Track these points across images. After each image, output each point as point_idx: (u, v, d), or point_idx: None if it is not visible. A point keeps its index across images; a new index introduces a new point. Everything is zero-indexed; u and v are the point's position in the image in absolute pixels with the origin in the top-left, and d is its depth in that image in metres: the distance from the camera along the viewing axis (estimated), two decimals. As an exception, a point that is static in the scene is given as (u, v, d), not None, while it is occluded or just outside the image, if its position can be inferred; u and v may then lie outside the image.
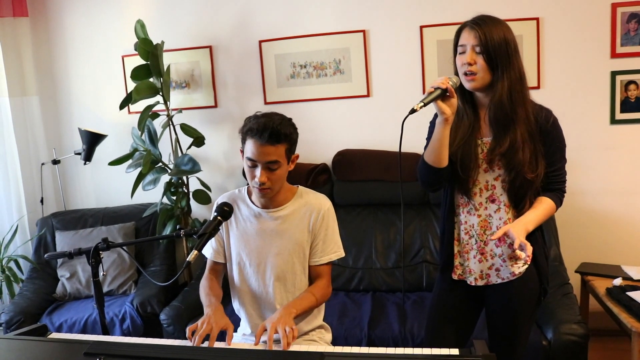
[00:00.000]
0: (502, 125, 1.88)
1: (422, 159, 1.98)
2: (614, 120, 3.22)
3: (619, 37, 3.12)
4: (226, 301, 2.07)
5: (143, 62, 3.32)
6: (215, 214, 1.90)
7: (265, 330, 1.74)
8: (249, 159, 1.88)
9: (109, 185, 3.96)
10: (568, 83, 3.24)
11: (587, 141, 3.26)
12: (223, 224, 2.04)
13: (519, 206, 1.96)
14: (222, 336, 1.77)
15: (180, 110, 3.49)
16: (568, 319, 2.60)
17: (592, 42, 3.18)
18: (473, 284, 2.07)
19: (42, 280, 3.44)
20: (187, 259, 1.79)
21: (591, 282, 2.98)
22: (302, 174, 3.47)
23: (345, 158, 3.48)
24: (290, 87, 3.59)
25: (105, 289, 3.39)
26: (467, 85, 1.89)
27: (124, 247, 2.02)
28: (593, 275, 3.05)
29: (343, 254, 2.08)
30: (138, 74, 3.31)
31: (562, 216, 3.25)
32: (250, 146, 1.86)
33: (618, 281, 2.88)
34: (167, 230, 3.40)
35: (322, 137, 3.62)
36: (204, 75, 3.70)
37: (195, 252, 1.82)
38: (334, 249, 2.05)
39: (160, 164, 3.39)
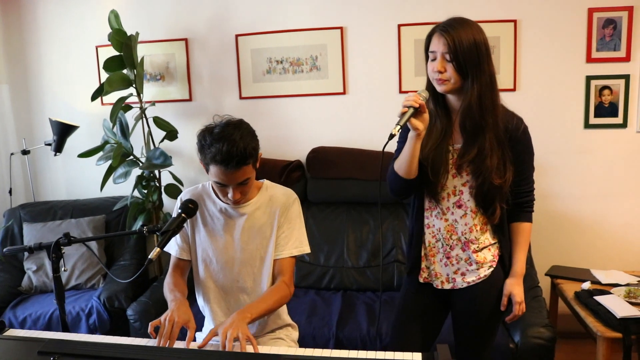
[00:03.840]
0: (471, 132, 1.87)
1: (392, 169, 1.98)
2: (587, 125, 3.24)
3: (594, 42, 3.13)
4: (192, 299, 2.04)
5: (117, 53, 3.25)
6: (180, 211, 1.86)
7: (217, 335, 1.70)
8: (218, 183, 1.84)
9: (80, 177, 3.89)
10: (543, 86, 3.24)
11: (561, 145, 3.28)
12: (187, 221, 2.01)
13: (488, 211, 1.96)
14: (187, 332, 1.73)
15: (153, 103, 3.43)
16: (536, 322, 2.60)
17: (568, 46, 3.19)
18: (439, 287, 2.07)
19: (8, 272, 3.37)
20: (149, 257, 1.76)
21: (560, 285, 2.99)
22: (275, 171, 3.43)
23: (319, 155, 3.45)
24: (266, 82, 3.55)
25: (72, 282, 3.33)
26: (439, 88, 1.88)
27: (86, 243, 1.96)
28: (563, 278, 3.06)
29: (307, 250, 2.04)
30: (111, 65, 3.24)
31: (534, 219, 3.24)
32: (216, 171, 1.80)
33: (586, 285, 2.89)
34: (138, 225, 3.34)
35: (296, 134, 3.59)
36: (179, 68, 3.64)
37: (157, 249, 1.78)
38: (296, 244, 2.01)
39: (131, 157, 3.33)
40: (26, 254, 3.40)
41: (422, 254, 2.09)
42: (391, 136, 1.72)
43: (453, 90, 1.88)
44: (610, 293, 2.74)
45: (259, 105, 3.61)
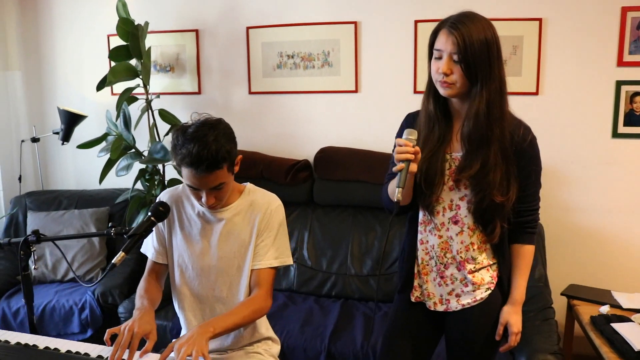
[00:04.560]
0: (476, 143, 1.69)
1: (385, 191, 1.83)
2: (616, 134, 2.98)
3: (627, 44, 2.87)
4: (169, 305, 1.94)
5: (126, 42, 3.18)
6: (150, 214, 1.76)
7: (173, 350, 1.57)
8: (190, 186, 1.72)
9: (89, 167, 3.84)
10: (569, 91, 3.00)
11: (586, 154, 3.03)
12: (165, 222, 1.91)
13: (487, 229, 1.77)
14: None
15: (158, 95, 3.34)
16: (544, 348, 2.40)
17: (598, 48, 2.93)
18: (432, 308, 1.90)
19: (8, 261, 3.35)
20: (113, 261, 1.66)
21: (577, 307, 2.77)
22: (282, 170, 3.31)
23: (327, 155, 3.30)
24: (276, 77, 3.41)
25: (70, 274, 3.29)
26: (442, 91, 1.69)
27: (55, 242, 1.89)
28: (580, 299, 2.84)
29: (289, 262, 1.89)
30: (117, 54, 3.17)
31: (553, 233, 3.05)
32: (187, 174, 1.68)
33: (605, 309, 2.67)
34: (140, 218, 3.27)
35: (305, 132, 3.45)
36: (189, 60, 3.55)
37: (121, 254, 1.68)
38: (276, 254, 1.86)
39: (133, 149, 3.25)
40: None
41: (415, 271, 1.93)
42: (397, 203, 1.61)
43: (457, 95, 1.70)
44: (631, 320, 2.51)
45: (268, 101, 3.48)
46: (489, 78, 1.64)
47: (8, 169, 3.75)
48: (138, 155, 3.27)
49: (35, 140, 3.68)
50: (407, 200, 1.77)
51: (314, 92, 3.38)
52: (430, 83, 1.76)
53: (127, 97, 3.23)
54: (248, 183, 1.96)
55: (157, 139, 3.32)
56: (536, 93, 3.01)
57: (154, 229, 1.91)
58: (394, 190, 1.66)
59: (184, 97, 3.62)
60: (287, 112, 3.46)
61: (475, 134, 1.69)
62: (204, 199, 1.73)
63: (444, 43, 1.64)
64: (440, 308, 1.88)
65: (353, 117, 3.36)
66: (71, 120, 3.48)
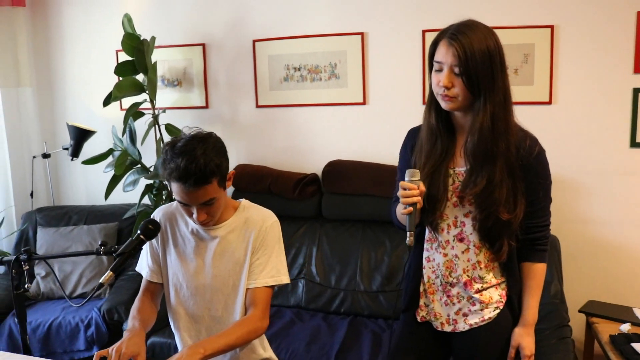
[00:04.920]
0: (481, 159, 1.62)
1: (394, 212, 1.78)
2: (634, 143, 2.86)
3: (644, 51, 2.76)
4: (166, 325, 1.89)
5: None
6: (139, 232, 1.71)
7: None
8: (180, 202, 1.68)
9: (99, 182, 3.83)
10: (584, 99, 2.89)
11: (603, 165, 2.91)
12: (159, 240, 1.87)
13: (494, 247, 1.70)
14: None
15: (164, 110, 3.32)
16: (559, 369, 2.29)
17: (613, 55, 2.82)
18: (439, 329, 1.82)
19: (18, 277, 3.33)
20: (100, 281, 1.63)
21: (596, 325, 2.64)
22: (289, 184, 3.25)
23: (335, 169, 3.24)
24: (283, 90, 3.38)
25: (79, 290, 3.27)
26: (444, 105, 1.63)
27: (47, 260, 1.87)
28: (599, 317, 2.71)
29: (285, 281, 1.83)
30: (123, 70, 3.17)
31: (569, 247, 2.93)
32: (176, 189, 1.64)
33: (626, 327, 2.54)
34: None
35: (313, 146, 3.39)
36: (197, 74, 3.53)
37: (109, 273, 1.65)
38: (272, 272, 1.80)
39: (139, 165, 3.24)
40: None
41: (421, 289, 1.86)
42: (409, 247, 1.61)
43: (460, 109, 1.64)
44: (652, 340, 2.38)
45: (275, 114, 3.44)
46: (492, 90, 1.58)
47: (20, 184, 3.77)
48: (144, 170, 3.26)
49: (46, 156, 3.70)
50: (416, 219, 1.70)
51: (321, 105, 3.32)
52: (432, 96, 1.69)
53: (134, 112, 3.22)
54: (243, 199, 1.91)
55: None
56: (549, 102, 2.91)
57: (148, 247, 1.89)
58: (400, 218, 1.63)
59: (191, 112, 3.60)
60: (295, 125, 3.41)
61: (480, 149, 1.62)
62: (195, 215, 1.69)
63: (444, 55, 1.58)
64: (448, 329, 1.81)
65: (361, 129, 3.30)
66: (80, 135, 3.48)
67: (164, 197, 3.34)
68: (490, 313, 1.75)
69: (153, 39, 3.25)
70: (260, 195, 3.35)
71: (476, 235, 1.71)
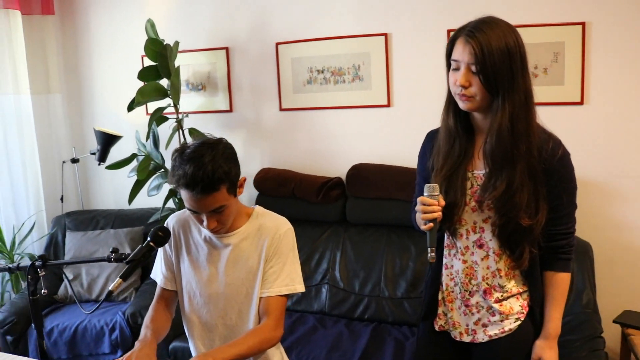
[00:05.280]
0: (500, 162, 1.55)
1: (413, 215, 1.72)
2: (672, 145, 2.72)
3: (682, 47, 2.62)
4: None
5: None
6: (149, 239, 1.70)
7: None
8: (189, 209, 1.65)
9: (126, 186, 3.86)
10: (617, 99, 2.76)
11: (639, 168, 2.78)
12: (173, 247, 1.85)
13: (514, 253, 1.62)
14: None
15: (187, 115, 3.33)
16: (590, 383, 2.19)
17: (649, 53, 2.69)
18: (458, 338, 1.76)
19: (47, 280, 3.34)
20: (109, 288, 1.62)
21: (632, 337, 2.52)
22: (313, 188, 3.21)
23: (359, 173, 3.18)
24: (306, 93, 3.34)
25: (105, 294, 3.29)
26: (462, 105, 1.58)
27: (62, 266, 1.90)
28: (635, 328, 2.58)
29: (300, 290, 1.78)
30: (147, 75, 3.18)
31: (603, 253, 2.80)
32: (185, 196, 1.61)
33: (663, 339, 2.41)
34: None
35: (337, 149, 3.35)
36: (220, 78, 3.53)
37: (119, 280, 1.64)
38: (286, 281, 1.74)
39: (163, 169, 3.25)
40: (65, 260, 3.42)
41: (439, 297, 1.79)
42: (431, 264, 1.59)
43: (479, 109, 1.57)
44: (692, 352, 2.25)
45: (299, 117, 3.41)
46: (511, 89, 1.51)
47: (51, 189, 3.84)
48: (167, 175, 3.26)
49: (75, 161, 3.76)
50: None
51: (345, 108, 3.28)
52: (450, 96, 1.64)
53: (158, 116, 3.23)
54: (257, 206, 1.87)
55: (188, 158, 3.30)
56: (581, 103, 2.79)
57: (162, 254, 1.87)
58: (419, 225, 1.58)
59: (216, 116, 3.60)
60: (318, 129, 3.37)
61: (499, 151, 1.55)
62: (205, 223, 1.66)
63: (461, 53, 1.52)
64: (467, 339, 1.74)
65: (386, 132, 3.23)
66: (107, 140, 3.52)
67: (188, 201, 3.35)
68: (510, 324, 1.68)
69: (177, 43, 3.26)
70: (283, 199, 3.32)
71: (496, 242, 1.64)
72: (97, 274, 3.33)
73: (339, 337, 2.74)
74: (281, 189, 3.31)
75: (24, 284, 3.44)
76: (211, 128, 3.55)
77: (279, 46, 3.35)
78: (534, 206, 1.57)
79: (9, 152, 3.59)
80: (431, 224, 1.56)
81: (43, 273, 1.84)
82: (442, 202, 1.58)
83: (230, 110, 3.56)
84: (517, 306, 1.68)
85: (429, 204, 1.56)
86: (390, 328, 2.84)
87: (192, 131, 3.28)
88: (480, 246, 1.66)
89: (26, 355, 3.02)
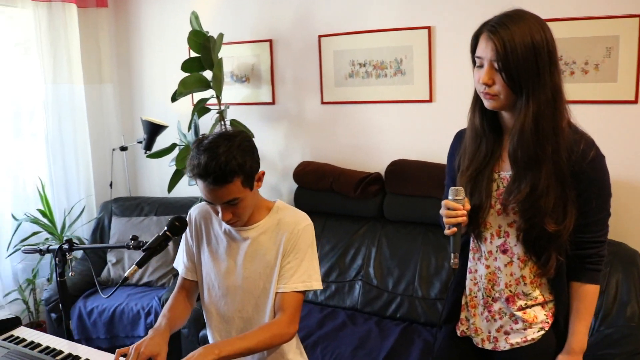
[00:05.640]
0: (523, 164, 1.48)
1: (440, 217, 1.66)
2: None
3: None
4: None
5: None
6: (165, 228, 1.72)
7: None
8: (205, 200, 1.67)
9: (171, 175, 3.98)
10: (677, 98, 2.57)
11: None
12: (194, 238, 1.87)
13: (540, 260, 1.54)
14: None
15: (227, 106, 3.35)
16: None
17: None
18: (479, 345, 1.69)
19: (92, 262, 3.53)
20: (125, 275, 1.65)
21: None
22: (351, 182, 3.18)
23: (398, 169, 3.12)
24: (348, 86, 3.30)
25: (145, 279, 3.40)
26: (487, 104, 1.52)
27: (86, 250, 1.95)
28: (686, 344, 2.40)
29: (317, 287, 1.75)
30: (190, 66, 3.23)
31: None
32: (200, 186, 1.62)
33: None
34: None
35: (377, 144, 3.29)
36: (264, 70, 3.54)
37: (134, 267, 1.67)
38: (303, 277, 1.72)
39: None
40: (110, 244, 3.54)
41: (463, 302, 1.73)
42: (454, 270, 1.53)
43: (505, 108, 1.50)
44: None
45: (340, 111, 3.37)
46: (536, 87, 1.43)
47: (101, 175, 3.99)
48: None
49: (123, 149, 3.88)
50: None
51: (386, 102, 3.21)
52: (476, 94, 1.57)
53: (201, 107, 3.28)
54: (278, 200, 1.86)
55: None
56: (635, 101, 2.60)
57: (184, 244, 1.90)
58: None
59: (259, 108, 3.62)
60: (359, 123, 3.32)
61: (522, 152, 1.47)
62: (220, 215, 1.66)
63: (484, 49, 1.46)
64: (488, 346, 1.67)
65: (427, 128, 3.15)
66: (153, 130, 3.61)
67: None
68: (534, 334, 1.59)
69: (221, 35, 3.29)
70: (322, 193, 3.31)
71: (521, 248, 1.56)
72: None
73: (367, 335, 2.69)
74: (320, 183, 3.30)
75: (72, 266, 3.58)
76: (254, 120, 3.58)
77: (322, 39, 3.32)
78: (561, 211, 1.48)
79: (63, 138, 3.75)
80: (455, 229, 1.51)
81: (70, 256, 1.90)
82: (468, 207, 1.52)
83: (273, 103, 3.57)
84: (542, 315, 1.59)
85: (453, 207, 1.50)
86: (421, 329, 2.77)
87: (233, 122, 3.31)
88: (504, 251, 1.59)
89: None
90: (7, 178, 3.56)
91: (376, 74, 3.20)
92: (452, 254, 1.52)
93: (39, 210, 3.53)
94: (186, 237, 1.89)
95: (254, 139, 3.26)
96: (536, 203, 1.47)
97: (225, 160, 1.55)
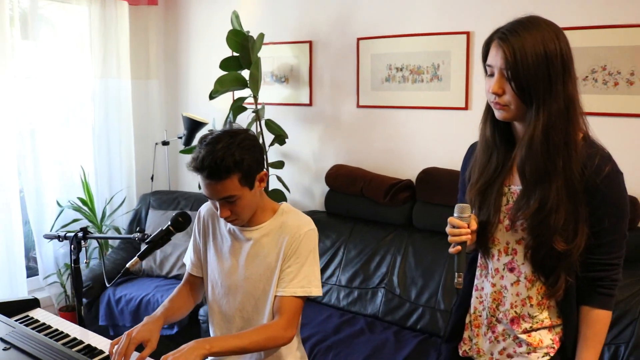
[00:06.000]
0: (533, 178, 1.41)
1: None
2: None
3: None
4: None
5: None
6: (169, 223, 1.75)
7: None
8: (204, 194, 1.68)
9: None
10: None
11: None
12: (202, 235, 1.89)
13: (548, 280, 1.46)
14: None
15: (263, 106, 3.38)
16: None
17: None
18: None
19: (126, 252, 3.64)
20: (127, 266, 1.69)
21: None
22: (382, 188, 3.13)
23: (430, 177, 3.04)
24: (384, 90, 3.25)
25: (175, 271, 3.48)
26: (497, 114, 1.46)
27: (99, 240, 2.01)
28: None
29: (316, 293, 1.73)
30: (228, 65, 3.28)
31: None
32: (199, 180, 1.64)
33: None
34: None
35: (410, 150, 3.23)
36: (303, 71, 3.55)
37: (135, 259, 1.71)
38: (302, 282, 1.70)
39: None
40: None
41: (467, 320, 1.66)
42: (457, 291, 1.50)
43: (517, 118, 1.43)
44: None
45: (375, 115, 3.33)
46: (548, 97, 1.35)
47: (143, 168, 4.11)
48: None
49: (165, 143, 3.98)
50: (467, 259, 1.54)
51: (422, 108, 3.14)
52: (488, 105, 1.51)
53: (237, 106, 3.32)
54: (284, 203, 1.84)
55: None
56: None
57: (193, 240, 1.92)
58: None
59: (296, 108, 3.63)
60: (393, 128, 3.27)
61: (531, 166, 1.40)
62: (218, 211, 1.67)
63: (494, 57, 1.40)
64: (491, 369, 1.59)
65: (461, 136, 3.01)
66: (193, 126, 3.69)
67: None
68: (538, 358, 1.50)
69: (261, 35, 3.32)
70: (352, 197, 3.28)
71: (528, 267, 1.48)
72: (170, 252, 3.51)
73: (382, 345, 2.64)
74: (350, 187, 3.27)
75: (107, 253, 3.72)
76: (290, 121, 3.59)
77: (360, 41, 3.29)
78: (572, 229, 1.39)
79: (108, 130, 3.89)
80: (459, 247, 1.44)
81: (85, 244, 1.96)
82: (474, 226, 1.46)
83: (310, 104, 3.57)
84: (548, 339, 1.50)
85: (457, 225, 1.45)
86: (439, 341, 2.69)
87: (268, 123, 3.33)
88: (511, 270, 1.51)
89: (96, 318, 3.26)
90: (56, 166, 3.73)
91: (412, 79, 3.13)
92: (456, 274, 1.46)
93: (79, 198, 3.67)
94: (194, 233, 1.91)
95: (287, 140, 3.29)
96: (545, 220, 1.39)
97: (222, 156, 1.56)
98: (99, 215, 3.76)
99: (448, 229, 1.48)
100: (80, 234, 1.91)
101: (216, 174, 1.56)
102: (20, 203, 3.46)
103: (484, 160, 1.53)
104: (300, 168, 3.66)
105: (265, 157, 3.28)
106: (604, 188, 1.38)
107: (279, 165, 3.43)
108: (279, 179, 3.41)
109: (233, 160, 1.57)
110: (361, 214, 3.28)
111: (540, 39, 1.34)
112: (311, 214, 3.46)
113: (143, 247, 1.75)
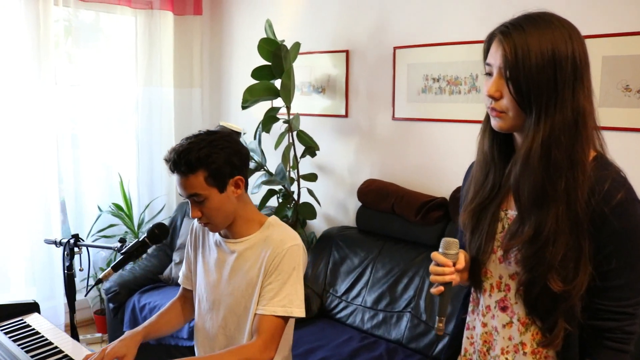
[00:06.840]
0: (529, 200, 1.20)
1: None
2: None
3: None
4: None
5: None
6: (144, 235, 1.70)
7: None
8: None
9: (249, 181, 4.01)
10: None
11: None
12: (192, 247, 1.83)
13: (544, 325, 1.24)
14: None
15: (296, 117, 3.27)
16: None
17: None
18: None
19: (158, 259, 3.65)
20: (99, 277, 1.65)
21: None
22: (413, 205, 2.94)
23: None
24: (420, 102, 3.07)
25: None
26: (493, 123, 1.26)
27: (88, 248, 1.97)
28: None
29: (298, 314, 1.61)
30: (260, 74, 3.22)
31: None
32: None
33: None
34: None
35: (446, 166, 3.02)
36: (339, 81, 3.43)
37: (109, 270, 1.67)
38: (283, 302, 1.59)
39: (263, 169, 3.27)
40: (177, 244, 3.63)
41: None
42: (437, 336, 1.28)
43: (516, 129, 1.23)
44: None
45: (410, 128, 3.15)
46: (552, 106, 1.15)
47: (185, 176, 4.13)
48: (269, 174, 3.27)
49: (205, 151, 3.98)
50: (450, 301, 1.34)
51: (458, 121, 2.93)
52: (488, 114, 1.32)
53: (269, 116, 3.25)
54: (273, 216, 1.74)
55: (291, 161, 3.26)
56: None
57: (185, 252, 1.86)
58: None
59: (332, 120, 3.51)
60: (428, 142, 3.08)
61: (525, 186, 1.20)
62: (190, 211, 1.61)
63: (494, 55, 1.23)
64: (482, 417, 1.40)
65: (500, 152, 2.81)
66: (229, 135, 3.65)
67: (289, 204, 3.31)
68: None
69: (297, 44, 3.24)
70: (383, 214, 3.11)
71: (522, 307, 1.27)
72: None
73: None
74: (382, 203, 3.10)
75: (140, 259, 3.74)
76: (325, 132, 3.48)
77: (397, 50, 3.13)
78: (572, 267, 1.17)
79: (151, 137, 3.95)
80: (441, 288, 1.24)
81: (79, 252, 1.94)
82: (461, 264, 1.25)
83: (346, 116, 3.44)
84: None
85: (442, 263, 1.24)
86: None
87: (300, 134, 3.24)
88: (504, 309, 1.30)
89: (121, 324, 3.28)
90: (99, 171, 3.82)
91: (449, 90, 2.93)
92: (437, 317, 1.25)
93: (114, 204, 3.73)
94: (187, 245, 1.86)
95: (320, 151, 3.18)
96: (540, 252, 1.18)
97: (188, 149, 1.52)
98: (136, 221, 3.80)
99: (431, 267, 1.27)
100: (72, 240, 1.89)
101: (179, 167, 1.53)
102: (61, 207, 3.57)
103: (480, 178, 1.34)
104: (335, 181, 3.53)
105: (264, 165, 3.20)
106: (614, 219, 1.14)
107: (312, 177, 3.32)
108: (310, 192, 3.30)
109: (197, 156, 1.52)
110: (392, 232, 3.10)
111: (549, 37, 1.14)
112: (343, 229, 3.34)
113: (118, 257, 1.70)
